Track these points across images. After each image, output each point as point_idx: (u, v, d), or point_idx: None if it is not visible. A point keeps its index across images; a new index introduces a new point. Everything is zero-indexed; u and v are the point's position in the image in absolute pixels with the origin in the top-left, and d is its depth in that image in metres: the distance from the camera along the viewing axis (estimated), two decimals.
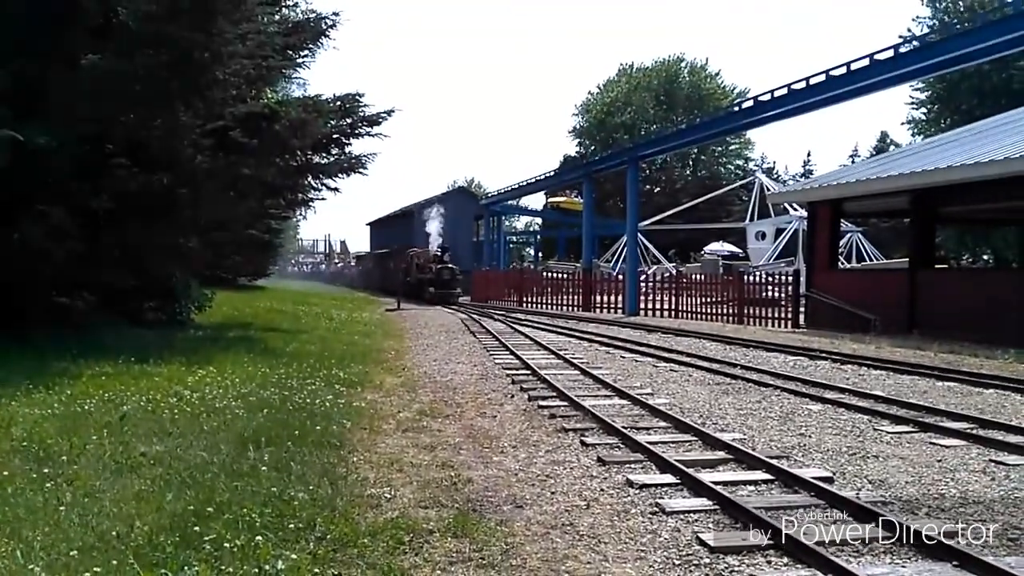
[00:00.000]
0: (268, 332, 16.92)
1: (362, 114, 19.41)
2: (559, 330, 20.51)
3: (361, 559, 4.30)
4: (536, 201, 73.42)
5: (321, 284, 65.39)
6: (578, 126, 78.28)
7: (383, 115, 19.28)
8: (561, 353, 14.43)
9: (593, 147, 69.34)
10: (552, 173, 42.29)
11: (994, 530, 4.98)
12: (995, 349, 14.59)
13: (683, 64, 75.41)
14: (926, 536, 4.53)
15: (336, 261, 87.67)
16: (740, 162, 75.18)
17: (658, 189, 72.49)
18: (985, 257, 43.44)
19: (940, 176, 18.80)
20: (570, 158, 70.30)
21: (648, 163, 57.91)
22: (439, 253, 38.48)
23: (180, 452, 6.23)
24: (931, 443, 7.48)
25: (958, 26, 27.32)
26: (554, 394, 10.00)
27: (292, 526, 4.63)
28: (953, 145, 22.64)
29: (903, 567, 4.27)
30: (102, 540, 4.29)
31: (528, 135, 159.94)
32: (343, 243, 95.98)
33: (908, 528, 4.67)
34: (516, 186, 45.89)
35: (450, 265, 37.04)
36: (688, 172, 74.51)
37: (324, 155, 20.44)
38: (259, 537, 4.33)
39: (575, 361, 13.24)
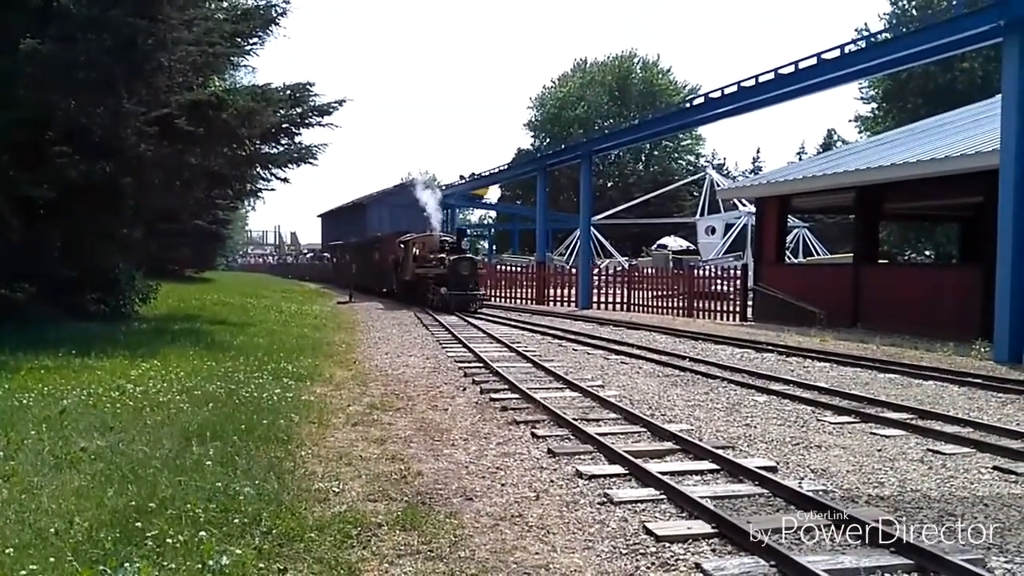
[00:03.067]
0: (215, 325, 16.61)
1: (312, 104, 19.16)
2: (512, 323, 20.57)
3: (308, 553, 4.26)
4: (491, 194, 73.36)
5: (271, 276, 63.70)
6: (533, 119, 78.41)
7: (334, 105, 19.07)
8: (514, 346, 14.46)
9: (548, 141, 69.51)
10: (507, 166, 42.21)
11: (931, 516, 5.15)
12: (935, 342, 15.03)
13: (636, 60, 76.03)
14: (863, 524, 4.65)
15: (287, 253, 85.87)
16: (691, 158, 76.07)
17: (611, 184, 72.96)
18: (927, 253, 44.70)
19: (884, 174, 19.29)
20: (524, 151, 70.34)
21: (602, 158, 58.21)
22: (450, 239, 27.54)
23: (122, 447, 6.09)
24: (872, 433, 7.68)
25: (902, 28, 28.04)
26: (506, 386, 10.02)
27: (237, 521, 4.57)
28: (897, 143, 23.24)
29: (843, 554, 4.38)
30: (40, 537, 4.17)
31: (483, 128, 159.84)
32: (293, 235, 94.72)
33: (848, 516, 4.80)
34: (470, 179, 45.75)
35: (468, 254, 26.36)
36: (641, 167, 75.14)
37: (273, 145, 20.13)
38: (203, 532, 4.26)
39: (527, 354, 13.27)
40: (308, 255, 68.46)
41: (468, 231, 37.93)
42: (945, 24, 15.63)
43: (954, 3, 16.64)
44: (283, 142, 20.11)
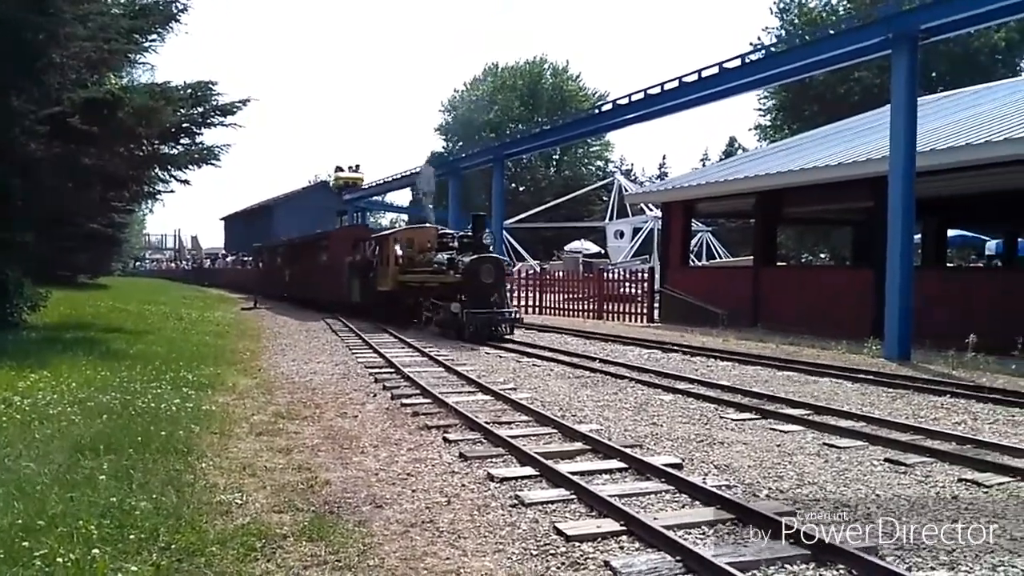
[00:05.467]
0: (110, 333, 15.83)
1: (215, 103, 18.53)
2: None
3: (209, 568, 4.10)
4: (402, 197, 72.75)
5: (172, 282, 60.83)
6: (444, 123, 78.24)
7: (237, 105, 18.50)
8: (425, 350, 14.35)
9: (459, 144, 69.46)
10: (418, 169, 41.89)
11: (827, 508, 5.34)
12: (830, 341, 15.72)
13: (546, 66, 76.85)
14: (764, 517, 4.82)
15: (188, 258, 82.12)
16: (601, 163, 77.40)
17: (523, 188, 73.49)
18: (823, 255, 46.80)
19: (781, 179, 20.12)
20: (436, 155, 70.07)
21: (513, 162, 58.55)
22: (461, 233, 19.79)
23: (7, 463, 5.72)
24: (771, 429, 7.97)
25: (797, 41, 29.27)
26: (417, 391, 9.93)
27: (133, 537, 4.36)
28: (795, 150, 24.29)
29: (744, 547, 4.51)
30: None
31: (394, 132, 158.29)
32: (194, 239, 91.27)
33: (748, 510, 4.96)
34: (381, 182, 45.22)
35: (492, 252, 18.35)
36: (552, 172, 75.97)
37: (173, 145, 19.37)
38: (95, 550, 4.05)
39: (439, 358, 13.20)
40: (228, 259, 58.42)
41: None
42: (837, 37, 16.42)
43: (842, 17, 17.45)
44: (183, 142, 19.38)
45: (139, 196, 25.37)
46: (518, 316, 17.86)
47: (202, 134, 19.47)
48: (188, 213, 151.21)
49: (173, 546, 4.31)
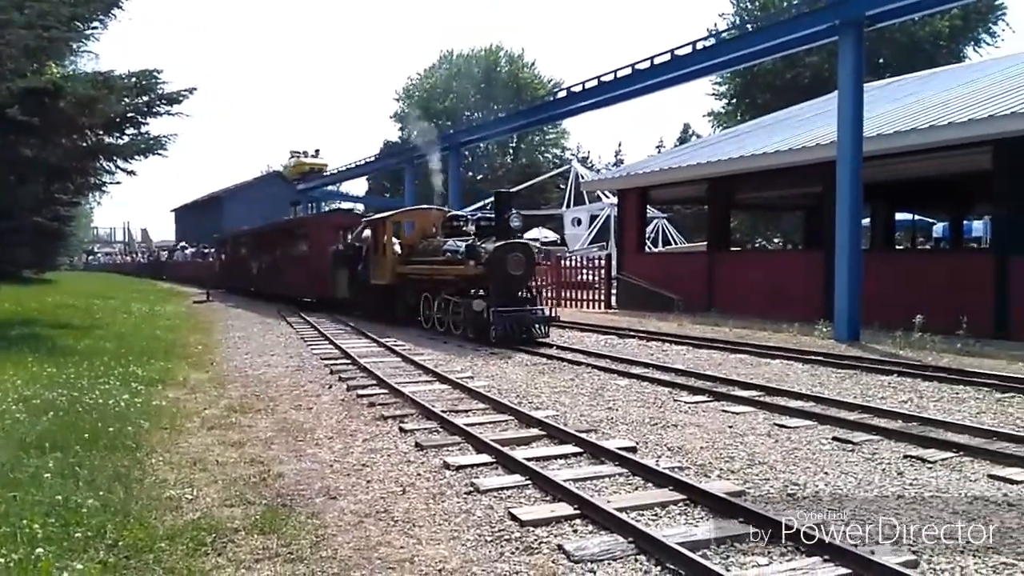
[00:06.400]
0: (57, 329, 15.44)
1: (160, 91, 18.08)
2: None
3: (158, 564, 4.04)
4: (358, 187, 72.08)
5: (122, 276, 58.98)
6: (400, 111, 77.58)
7: (184, 93, 18.07)
8: (383, 340, 14.26)
9: (415, 132, 68.98)
10: (374, 158, 41.55)
11: (776, 487, 5.48)
12: (782, 323, 16.02)
13: (502, 53, 76.63)
14: (715, 497, 4.90)
15: (138, 251, 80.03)
16: (557, 151, 77.53)
17: (480, 176, 73.31)
18: (776, 240, 47.54)
19: (733, 165, 20.38)
20: (392, 143, 69.51)
21: (470, 150, 58.37)
22: (480, 215, 17.51)
23: None
24: (724, 411, 8.09)
25: (748, 27, 29.61)
26: (374, 382, 9.88)
27: (79, 535, 4.28)
28: (746, 136, 24.61)
29: (695, 527, 4.58)
30: None
31: (347, 120, 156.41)
32: (144, 231, 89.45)
33: (699, 491, 5.04)
34: (335, 171, 44.74)
35: (520, 238, 15.49)
36: (509, 160, 75.91)
37: (118, 135, 18.88)
38: (40, 549, 3.95)
39: (397, 348, 13.14)
40: (188, 251, 53.21)
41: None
42: (787, 23, 16.64)
43: (794, 4, 17.71)
44: (129, 132, 18.89)
45: (84, 188, 24.70)
46: (552, 317, 14.92)
47: (148, 124, 19.01)
48: (137, 205, 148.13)
49: (120, 543, 4.24)
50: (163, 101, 18.15)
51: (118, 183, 23.87)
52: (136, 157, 18.94)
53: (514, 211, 15.13)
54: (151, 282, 47.42)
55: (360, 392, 9.20)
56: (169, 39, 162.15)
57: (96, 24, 18.06)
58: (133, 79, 17.98)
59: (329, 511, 4.96)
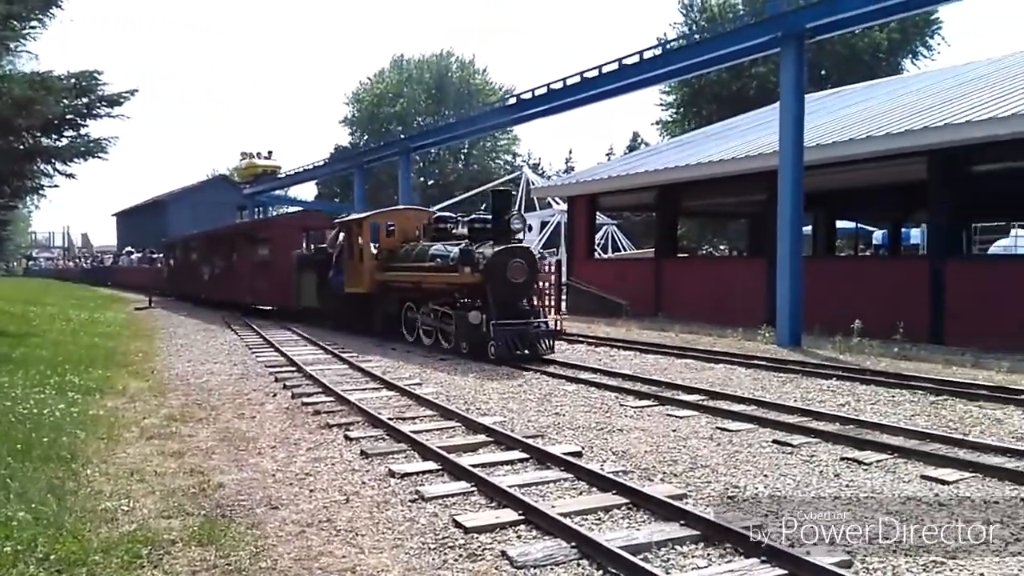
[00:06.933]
0: None
1: (101, 93, 17.62)
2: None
3: None
4: (307, 191, 71.36)
5: (63, 283, 56.76)
6: (350, 116, 76.94)
7: (125, 95, 17.63)
8: (329, 347, 14.11)
9: (365, 137, 68.51)
10: (323, 163, 41.14)
11: (717, 490, 5.57)
12: (726, 328, 16.30)
13: (453, 59, 76.60)
14: (657, 501, 4.97)
15: (82, 255, 77.45)
16: (509, 157, 77.73)
17: (431, 182, 73.09)
18: (722, 247, 48.38)
19: (679, 174, 20.72)
20: (342, 148, 68.89)
21: (421, 156, 58.16)
22: (473, 216, 15.40)
23: None
24: (668, 415, 8.21)
25: (695, 37, 30.14)
26: (320, 390, 9.76)
27: (8, 549, 4.15)
28: (693, 145, 25.02)
29: (638, 530, 4.63)
30: None
31: (294, 125, 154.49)
32: (85, 236, 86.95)
33: (642, 494, 5.10)
34: (283, 175, 44.18)
35: (519, 241, 13.74)
36: (460, 166, 75.84)
37: (56, 137, 18.34)
38: None
39: (344, 355, 13.01)
40: (134, 256, 49.41)
41: None
42: (731, 35, 17.00)
43: (740, 15, 18.06)
44: (68, 134, 18.37)
45: (21, 192, 23.88)
46: (559, 330, 13.33)
47: (88, 126, 18.51)
48: (78, 210, 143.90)
49: (52, 556, 4.13)
50: (103, 103, 17.69)
51: (56, 187, 23.13)
52: (75, 160, 18.40)
53: (515, 212, 13.93)
54: (92, 288, 46.04)
55: (305, 400, 9.08)
56: (112, 40, 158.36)
57: (35, 23, 17.54)
58: (72, 80, 17.48)
59: (270, 521, 4.89)
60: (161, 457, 6.45)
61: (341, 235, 17.54)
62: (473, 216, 15.10)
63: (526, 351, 12.43)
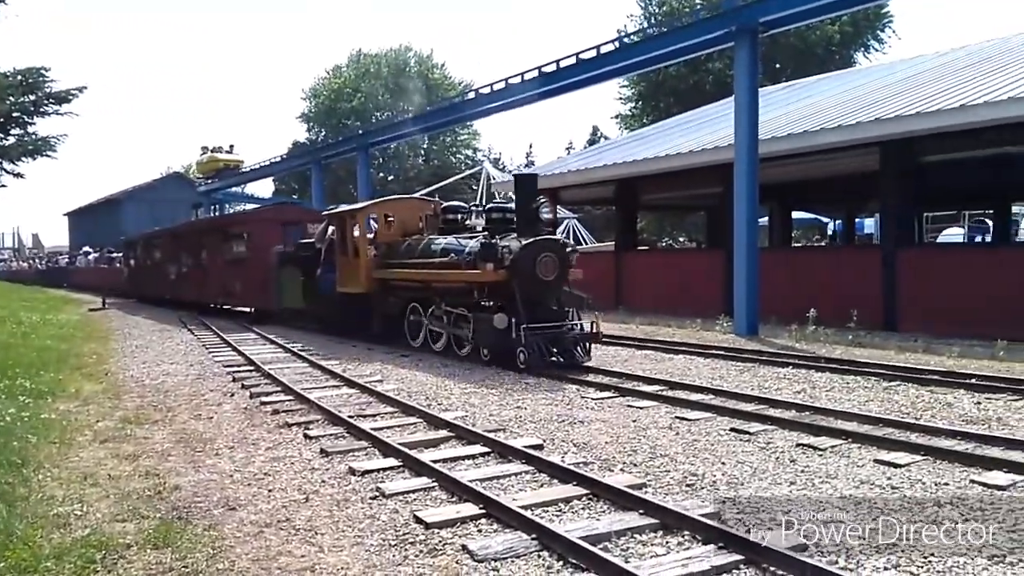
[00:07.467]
0: None
1: (48, 90, 17.23)
2: (287, 321, 19.68)
3: None
4: (264, 188, 70.32)
5: (13, 284, 54.76)
6: (307, 111, 76.04)
7: (74, 92, 17.33)
8: (288, 346, 13.96)
9: (323, 133, 67.81)
10: (280, 159, 40.60)
11: (676, 478, 5.63)
12: (685, 320, 16.49)
13: (411, 54, 76.17)
14: (617, 490, 5.01)
15: (37, 256, 75.07)
16: (469, 152, 77.57)
17: (391, 177, 72.61)
18: (681, 239, 48.82)
19: (637, 167, 20.87)
20: (300, 144, 68.11)
21: (381, 151, 57.77)
22: (491, 205, 13.74)
23: None
24: (628, 406, 8.28)
25: (652, 31, 30.37)
26: (279, 389, 9.66)
27: None
28: (651, 139, 25.22)
29: (598, 520, 4.67)
30: None
31: (251, 120, 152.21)
32: (35, 236, 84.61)
33: (603, 485, 5.15)
34: (240, 172, 43.56)
35: (549, 233, 12.57)
36: (421, 161, 75.49)
37: (2, 136, 17.90)
38: None
39: (303, 353, 12.88)
40: (91, 256, 46.20)
41: None
42: (686, 29, 17.14)
43: (697, 9, 18.23)
44: (14, 132, 17.95)
45: None
46: (597, 332, 11.63)
47: (35, 124, 18.10)
48: (28, 209, 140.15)
49: (2, 564, 4.05)
50: (51, 100, 17.33)
51: (3, 186, 22.56)
52: (23, 159, 18.01)
53: (543, 199, 12.06)
54: (44, 290, 44.82)
55: (264, 399, 8.98)
56: (61, 37, 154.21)
57: None
58: (19, 77, 17.05)
59: (228, 522, 4.83)
60: (115, 460, 6.34)
61: (331, 228, 15.99)
62: (491, 205, 13.55)
63: (561, 358, 11.11)
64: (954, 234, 29.53)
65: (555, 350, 11.12)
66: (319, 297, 16.24)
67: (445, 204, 14.74)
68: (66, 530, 4.66)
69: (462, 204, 14.83)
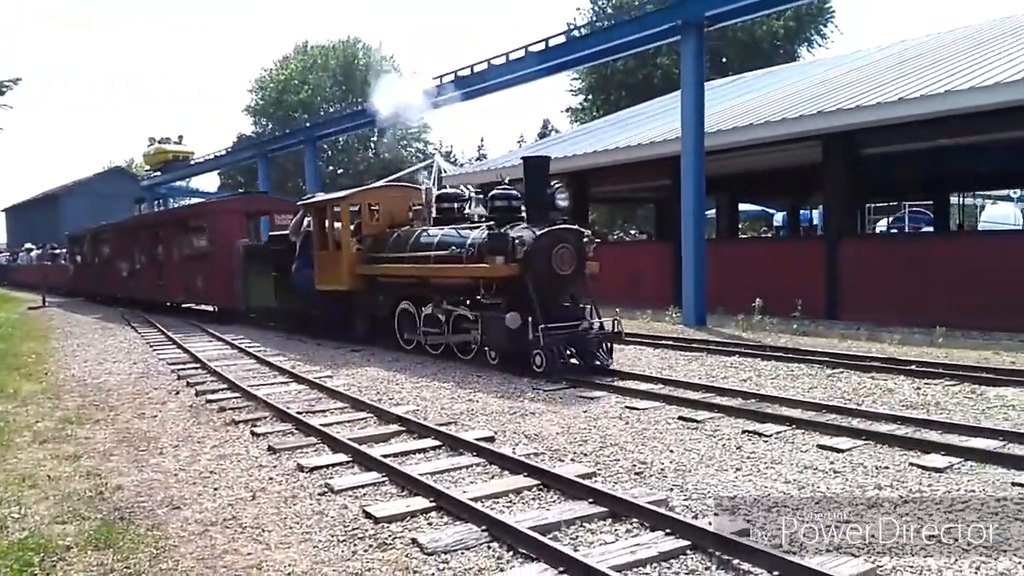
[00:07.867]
0: None
1: None
2: (254, 321, 19.23)
3: None
4: (209, 182, 68.89)
5: None
6: (253, 104, 74.67)
7: (8, 83, 16.74)
8: (235, 342, 13.72)
9: (270, 126, 66.71)
10: (224, 152, 39.82)
11: (625, 467, 5.69)
12: (636, 311, 16.65)
13: (360, 46, 75.33)
14: (567, 480, 5.05)
15: None
16: (420, 145, 77.11)
17: (341, 170, 71.79)
18: (632, 232, 49.30)
19: (587, 161, 21.00)
20: (246, 137, 66.88)
21: (330, 143, 57.09)
22: (496, 192, 11.30)
23: None
24: (580, 397, 8.34)
25: (600, 24, 30.51)
26: (225, 386, 9.49)
27: None
28: (601, 132, 25.37)
29: (548, 510, 4.70)
30: None
31: (194, 113, 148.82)
32: None
33: (553, 475, 5.18)
34: (189, 164, 42.61)
35: (565, 221, 10.75)
36: (371, 154, 74.78)
37: None
38: None
39: (251, 350, 12.69)
40: (33, 253, 43.03)
41: None
42: (634, 21, 17.26)
43: (645, 3, 18.37)
44: None
45: None
46: (618, 331, 10.42)
47: None
48: None
49: None
50: None
51: None
52: None
53: (557, 184, 10.81)
54: None
55: (210, 397, 8.82)
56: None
57: None
58: None
59: (172, 522, 4.73)
60: (55, 461, 6.16)
61: (307, 220, 14.58)
62: (495, 192, 11.46)
63: (581, 360, 9.99)
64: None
65: (573, 352, 10.04)
66: (293, 295, 14.86)
67: (440, 192, 13.54)
68: (3, 533, 4.55)
69: (457, 191, 13.26)
